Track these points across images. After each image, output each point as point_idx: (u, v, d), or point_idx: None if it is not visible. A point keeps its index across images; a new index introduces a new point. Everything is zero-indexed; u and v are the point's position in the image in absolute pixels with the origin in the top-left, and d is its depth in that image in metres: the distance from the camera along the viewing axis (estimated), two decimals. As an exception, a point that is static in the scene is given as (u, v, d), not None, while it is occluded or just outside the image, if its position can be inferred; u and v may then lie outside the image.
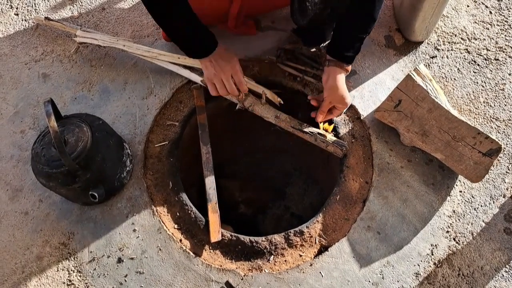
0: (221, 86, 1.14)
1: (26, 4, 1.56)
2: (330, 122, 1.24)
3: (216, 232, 1.08)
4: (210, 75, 1.13)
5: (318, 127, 1.19)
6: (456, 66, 1.36)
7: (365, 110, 1.27)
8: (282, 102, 1.23)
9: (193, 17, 1.05)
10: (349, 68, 1.17)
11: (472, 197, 1.16)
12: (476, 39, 1.41)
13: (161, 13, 1.03)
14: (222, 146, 1.42)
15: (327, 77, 1.15)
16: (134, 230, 1.12)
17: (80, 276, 1.08)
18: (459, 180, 1.18)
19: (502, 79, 1.33)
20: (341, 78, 1.14)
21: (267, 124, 1.23)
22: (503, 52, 1.38)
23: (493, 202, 1.16)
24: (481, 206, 1.15)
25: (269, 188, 1.83)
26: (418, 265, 1.07)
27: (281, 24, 1.43)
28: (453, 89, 1.32)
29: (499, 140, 1.17)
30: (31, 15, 1.53)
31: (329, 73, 1.15)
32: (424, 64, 1.34)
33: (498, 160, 1.21)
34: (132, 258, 1.09)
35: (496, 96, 1.31)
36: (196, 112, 1.26)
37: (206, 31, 1.09)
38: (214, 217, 1.10)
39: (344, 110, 1.23)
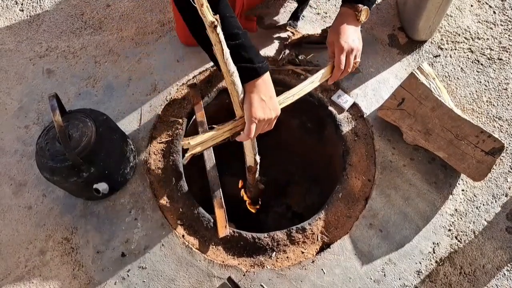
0: (257, 133, 0.92)
1: (31, 0, 1.57)
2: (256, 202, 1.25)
3: (223, 228, 1.08)
4: (257, 113, 0.88)
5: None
6: (459, 65, 1.36)
7: (368, 108, 1.27)
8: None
9: (241, 28, 0.89)
10: (362, 14, 1.05)
11: (474, 196, 1.16)
12: (479, 39, 1.41)
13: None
14: (224, 145, 1.42)
15: (336, 23, 1.05)
16: (137, 226, 1.12)
17: (83, 270, 1.08)
18: (462, 179, 1.18)
19: (506, 78, 1.33)
20: (352, 23, 1.05)
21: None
22: (507, 51, 1.38)
23: (495, 201, 1.16)
24: (483, 205, 1.15)
25: (271, 186, 1.83)
26: (420, 263, 1.07)
27: (284, 21, 1.43)
28: (456, 88, 1.32)
29: (502, 139, 1.17)
30: (35, 11, 1.54)
31: (340, 17, 1.06)
32: (427, 63, 1.34)
33: (501, 159, 1.21)
34: (135, 253, 1.09)
35: (499, 95, 1.31)
36: (194, 111, 1.27)
37: (254, 47, 0.91)
38: (220, 213, 1.10)
39: (357, 59, 1.10)
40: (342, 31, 1.05)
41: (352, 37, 1.05)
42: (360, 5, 1.05)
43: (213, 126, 0.88)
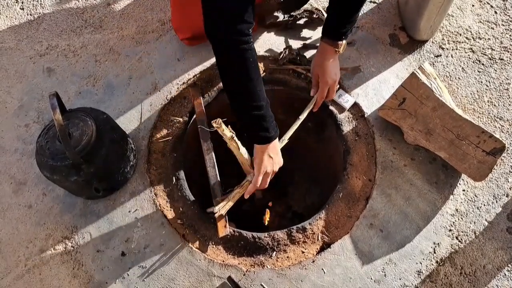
0: (266, 183, 1.09)
1: (31, -2, 1.57)
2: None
3: (223, 227, 1.08)
4: (266, 168, 1.06)
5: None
6: (460, 65, 1.36)
7: (369, 108, 1.27)
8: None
9: (266, 99, 1.01)
10: (341, 48, 1.17)
11: (475, 196, 1.16)
12: (481, 39, 1.41)
13: (241, 91, 0.98)
14: (225, 143, 1.42)
15: (319, 58, 1.19)
16: (137, 225, 1.12)
17: (83, 269, 1.08)
18: (462, 179, 1.17)
19: (507, 78, 1.33)
20: (333, 57, 1.19)
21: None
22: (508, 51, 1.38)
23: (496, 202, 1.15)
24: (484, 205, 1.15)
25: (272, 186, 1.83)
26: (420, 263, 1.07)
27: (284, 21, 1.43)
28: (458, 88, 1.32)
29: (503, 139, 1.16)
30: (36, 10, 1.54)
31: (322, 52, 1.18)
32: (428, 63, 1.34)
33: (502, 160, 1.21)
34: (135, 252, 1.09)
35: (500, 95, 1.30)
36: (195, 109, 1.27)
37: (272, 117, 1.05)
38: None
39: (337, 86, 1.25)
40: (325, 67, 1.19)
41: (334, 71, 1.21)
42: (339, 42, 1.16)
43: (231, 189, 1.11)
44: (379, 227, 1.11)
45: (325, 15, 1.38)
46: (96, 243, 1.11)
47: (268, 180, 1.09)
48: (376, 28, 1.43)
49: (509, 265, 1.08)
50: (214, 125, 0.92)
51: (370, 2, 1.50)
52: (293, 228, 1.10)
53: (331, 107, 1.28)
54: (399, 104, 1.15)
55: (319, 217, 1.12)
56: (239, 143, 1.01)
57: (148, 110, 1.29)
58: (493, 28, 1.43)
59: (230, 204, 1.09)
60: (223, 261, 1.07)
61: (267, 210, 1.40)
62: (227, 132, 0.95)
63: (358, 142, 1.23)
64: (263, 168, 1.05)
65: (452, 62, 1.37)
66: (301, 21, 1.45)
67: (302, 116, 1.22)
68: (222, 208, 1.07)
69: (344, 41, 1.17)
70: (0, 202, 1.19)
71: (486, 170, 1.10)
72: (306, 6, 1.44)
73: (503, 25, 1.44)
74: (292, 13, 1.42)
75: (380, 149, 1.20)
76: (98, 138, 1.05)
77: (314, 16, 1.43)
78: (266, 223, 1.39)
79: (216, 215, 1.07)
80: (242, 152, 1.04)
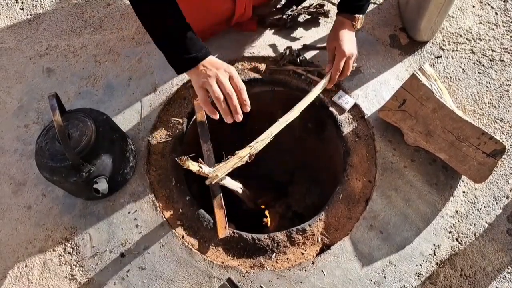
0: (215, 89, 0.94)
1: (31, -2, 1.57)
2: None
3: (223, 228, 1.07)
4: (202, 81, 0.94)
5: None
6: (461, 67, 1.36)
7: (369, 109, 1.27)
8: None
9: (185, 21, 0.97)
10: (358, 22, 1.14)
11: (475, 197, 1.16)
12: (481, 40, 1.41)
13: (150, 12, 0.95)
14: (225, 144, 1.42)
15: (335, 31, 1.15)
16: (137, 226, 1.12)
17: (82, 270, 1.08)
18: (463, 181, 1.17)
19: (507, 80, 1.33)
20: (350, 31, 1.15)
21: (270, 122, 1.23)
22: (508, 53, 1.38)
23: (496, 203, 1.15)
24: (484, 207, 1.15)
25: (272, 186, 1.83)
26: (420, 265, 1.07)
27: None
28: (458, 90, 1.32)
29: (503, 141, 1.16)
30: (36, 10, 1.54)
31: (339, 26, 1.15)
32: (429, 64, 1.34)
33: (502, 161, 1.21)
34: (134, 254, 1.09)
35: (501, 97, 1.30)
36: (195, 110, 1.26)
37: (196, 36, 0.98)
38: (220, 213, 1.10)
39: (354, 64, 1.21)
40: (342, 38, 1.15)
41: (351, 43, 1.16)
42: (357, 15, 1.15)
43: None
44: (379, 228, 1.11)
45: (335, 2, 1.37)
46: (96, 244, 1.11)
47: (217, 87, 0.95)
48: (377, 28, 1.43)
49: (509, 267, 1.08)
50: (180, 162, 0.89)
51: (371, 2, 1.50)
52: (293, 230, 1.10)
53: (331, 108, 1.27)
54: (399, 105, 1.15)
55: (319, 219, 1.12)
56: (207, 169, 0.97)
57: (148, 110, 1.29)
58: (493, 29, 1.43)
59: (227, 167, 1.01)
60: (223, 263, 1.07)
61: (267, 213, 1.41)
62: (193, 168, 0.92)
63: (358, 143, 1.22)
64: (197, 82, 0.95)
65: (452, 63, 1.36)
66: (301, 19, 1.45)
67: (316, 90, 1.15)
68: (217, 170, 0.99)
69: (361, 16, 1.14)
70: (-1, 202, 1.19)
71: (486, 171, 1.10)
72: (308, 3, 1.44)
73: (503, 26, 1.44)
74: (290, 12, 1.41)
75: (380, 150, 1.20)
76: (98, 139, 1.05)
77: (325, 8, 1.43)
78: (268, 224, 1.39)
79: (210, 175, 0.99)
80: (209, 172, 1.00)
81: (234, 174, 1.31)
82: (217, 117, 0.98)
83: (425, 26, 1.32)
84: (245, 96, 0.97)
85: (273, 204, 1.77)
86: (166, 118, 1.28)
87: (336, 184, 1.19)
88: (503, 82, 1.32)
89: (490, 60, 1.37)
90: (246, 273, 1.05)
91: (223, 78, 0.95)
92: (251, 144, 1.03)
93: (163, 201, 1.16)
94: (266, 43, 1.39)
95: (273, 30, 1.43)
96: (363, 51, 1.37)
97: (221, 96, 0.94)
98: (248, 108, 0.98)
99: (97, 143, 1.04)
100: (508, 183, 1.18)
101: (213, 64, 0.96)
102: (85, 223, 1.13)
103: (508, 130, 1.25)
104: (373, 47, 1.38)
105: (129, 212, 1.14)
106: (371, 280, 1.05)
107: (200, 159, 0.97)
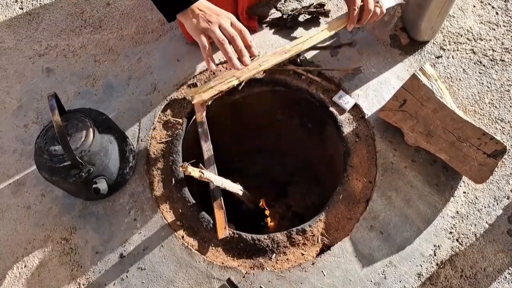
0: (219, 33, 0.89)
1: (30, -2, 1.56)
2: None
3: (223, 229, 1.07)
4: (203, 26, 0.89)
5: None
6: (461, 67, 1.35)
7: (369, 109, 1.26)
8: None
9: None
10: None
11: (476, 198, 1.16)
12: (482, 40, 1.40)
13: None
14: (225, 144, 1.42)
15: None
16: (136, 226, 1.12)
17: (81, 271, 1.08)
18: (463, 181, 1.17)
19: (508, 80, 1.32)
20: None
21: (270, 122, 1.23)
22: (509, 53, 1.37)
23: (497, 204, 1.15)
24: (485, 207, 1.15)
25: (272, 186, 1.83)
26: (421, 266, 1.07)
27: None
28: (458, 90, 1.31)
29: (504, 141, 1.16)
30: (35, 10, 1.53)
31: None
32: (429, 64, 1.33)
33: (503, 162, 1.20)
34: (134, 254, 1.09)
35: (502, 97, 1.30)
36: (195, 110, 1.26)
37: None
38: (220, 214, 1.09)
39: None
40: None
41: None
42: None
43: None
44: (379, 229, 1.10)
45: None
46: (95, 244, 1.10)
47: (220, 32, 0.90)
48: (377, 28, 1.43)
49: (510, 267, 1.08)
50: (181, 169, 0.92)
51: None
52: (292, 230, 1.09)
53: (331, 108, 1.27)
54: (400, 105, 1.15)
55: (319, 219, 1.11)
56: (210, 175, 1.01)
57: (147, 110, 1.28)
58: (494, 29, 1.43)
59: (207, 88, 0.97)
60: (223, 263, 1.07)
61: (267, 212, 1.41)
62: (194, 174, 0.96)
63: (358, 143, 1.22)
64: (196, 26, 0.89)
65: (453, 63, 1.36)
66: (301, 19, 1.44)
67: (331, 28, 1.09)
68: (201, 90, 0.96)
69: None
70: (-2, 203, 1.19)
71: (487, 172, 1.10)
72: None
73: (504, 26, 1.43)
74: (291, 11, 1.41)
75: (380, 150, 1.20)
76: (97, 139, 1.04)
77: (325, 8, 1.42)
78: (269, 225, 1.40)
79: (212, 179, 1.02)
80: (215, 180, 1.05)
81: (234, 175, 1.30)
82: (214, 67, 0.95)
83: (425, 26, 1.32)
84: (249, 37, 0.93)
85: (273, 204, 1.77)
86: (166, 118, 1.27)
87: (336, 184, 1.19)
88: (504, 82, 1.32)
89: (491, 60, 1.36)
90: (246, 273, 1.05)
91: (225, 24, 0.91)
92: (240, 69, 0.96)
93: (162, 201, 1.15)
94: (265, 43, 1.39)
95: (273, 30, 1.42)
96: (364, 51, 1.37)
97: (226, 40, 0.90)
98: (255, 51, 0.94)
99: (97, 143, 1.04)
100: (509, 184, 1.17)
101: (212, 10, 0.92)
102: (85, 224, 1.13)
103: (509, 130, 1.25)
104: (373, 47, 1.38)
105: (128, 213, 1.14)
106: (371, 281, 1.05)
107: (200, 164, 0.97)
